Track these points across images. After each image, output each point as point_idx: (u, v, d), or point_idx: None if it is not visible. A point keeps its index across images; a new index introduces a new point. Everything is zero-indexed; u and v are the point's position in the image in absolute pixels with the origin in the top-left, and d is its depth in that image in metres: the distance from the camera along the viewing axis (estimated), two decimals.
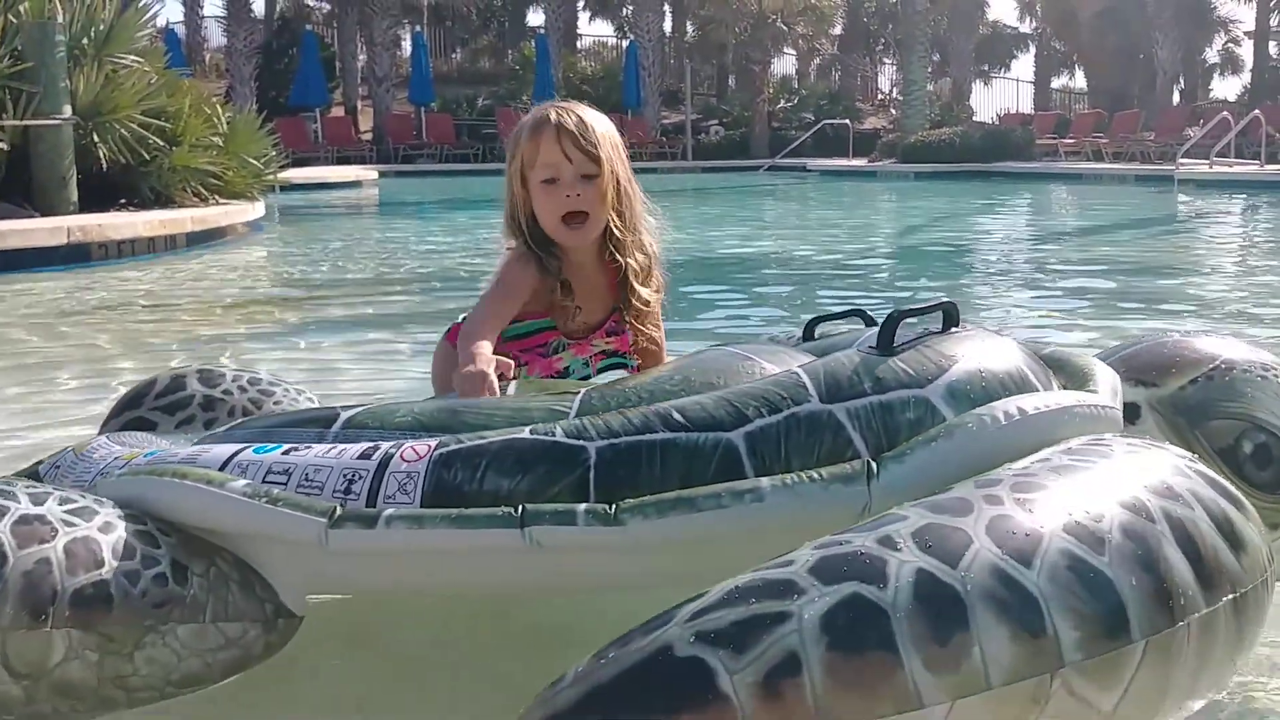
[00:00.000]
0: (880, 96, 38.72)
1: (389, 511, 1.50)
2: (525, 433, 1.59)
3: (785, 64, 36.53)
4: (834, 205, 17.03)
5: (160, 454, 1.70)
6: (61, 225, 8.65)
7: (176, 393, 2.36)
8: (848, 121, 29.47)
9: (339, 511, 1.50)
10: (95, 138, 9.87)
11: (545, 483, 1.53)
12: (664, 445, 1.56)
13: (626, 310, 2.28)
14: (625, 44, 34.77)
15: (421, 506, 1.52)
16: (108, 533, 1.50)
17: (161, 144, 10.35)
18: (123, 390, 2.59)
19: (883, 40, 38.10)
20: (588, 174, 2.14)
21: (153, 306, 6.67)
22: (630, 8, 35.96)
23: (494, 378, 1.91)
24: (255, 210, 11.51)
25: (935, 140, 24.45)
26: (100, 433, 2.23)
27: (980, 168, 22.18)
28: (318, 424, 1.75)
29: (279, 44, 32.06)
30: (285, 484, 1.56)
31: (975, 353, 1.68)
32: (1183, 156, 19.57)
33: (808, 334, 2.26)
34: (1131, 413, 1.86)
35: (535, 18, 38.29)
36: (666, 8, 35.39)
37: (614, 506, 1.48)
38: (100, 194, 9.99)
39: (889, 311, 1.72)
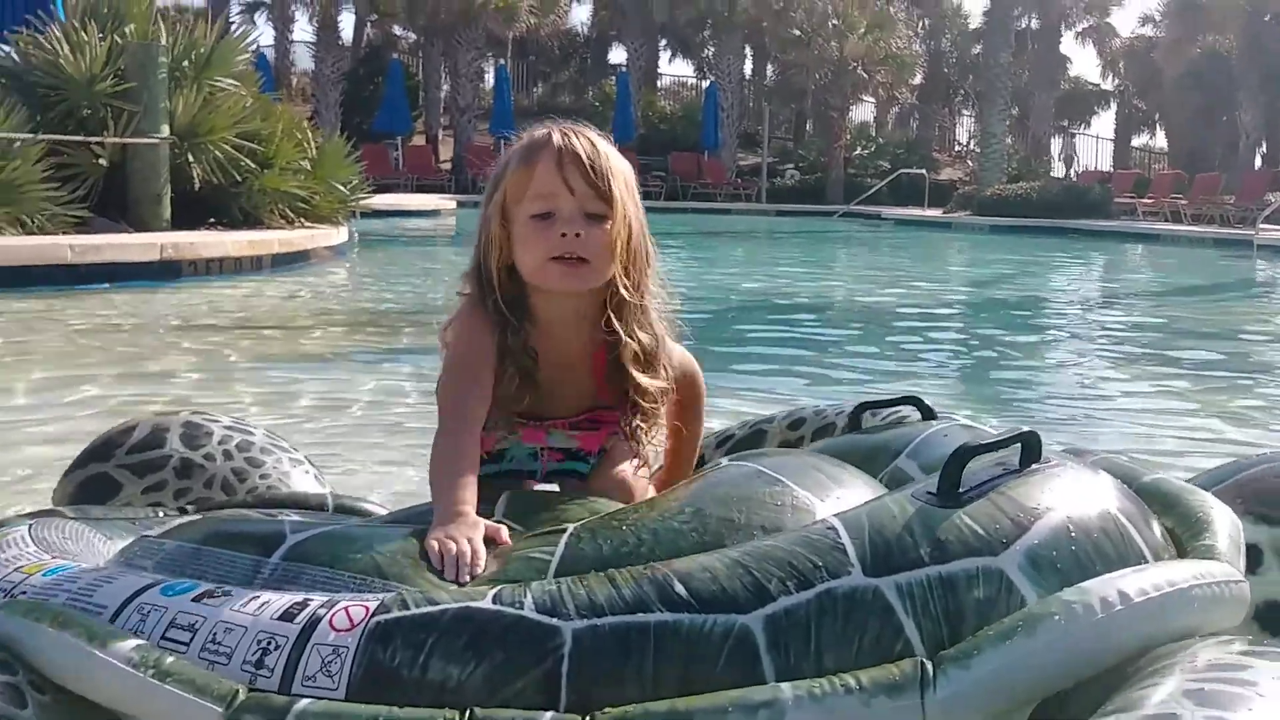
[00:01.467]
0: (958, 148, 38.59)
1: (302, 705, 1.20)
2: (488, 600, 1.26)
3: (864, 111, 36.56)
4: (907, 255, 17.00)
5: (62, 573, 1.43)
6: (155, 242, 8.95)
7: (152, 449, 2.11)
8: (924, 171, 29.41)
9: (239, 699, 1.21)
10: (190, 158, 10.20)
11: (506, 674, 1.21)
12: (660, 630, 1.24)
13: (623, 407, 1.73)
14: (705, 84, 35.05)
15: (346, 695, 1.22)
16: None
17: (253, 166, 10.67)
18: (200, 399, 2.57)
19: (962, 91, 38.04)
20: (594, 213, 1.62)
21: (235, 327, 6.87)
22: (712, 49, 36.30)
23: (479, 554, 1.41)
24: (339, 235, 11.78)
25: (1012, 194, 24.32)
26: (59, 484, 2.12)
27: (1057, 223, 22.01)
28: (257, 546, 1.45)
29: (365, 71, 32.72)
30: (187, 646, 1.27)
31: (1063, 502, 1.35)
32: (1263, 221, 19.28)
33: (854, 420, 2.00)
34: (1251, 559, 1.52)
35: (617, 55, 38.79)
36: (748, 50, 35.62)
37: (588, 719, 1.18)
38: (191, 212, 10.30)
39: (956, 448, 1.40)
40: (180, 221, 10.08)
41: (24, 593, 1.41)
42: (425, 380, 5.01)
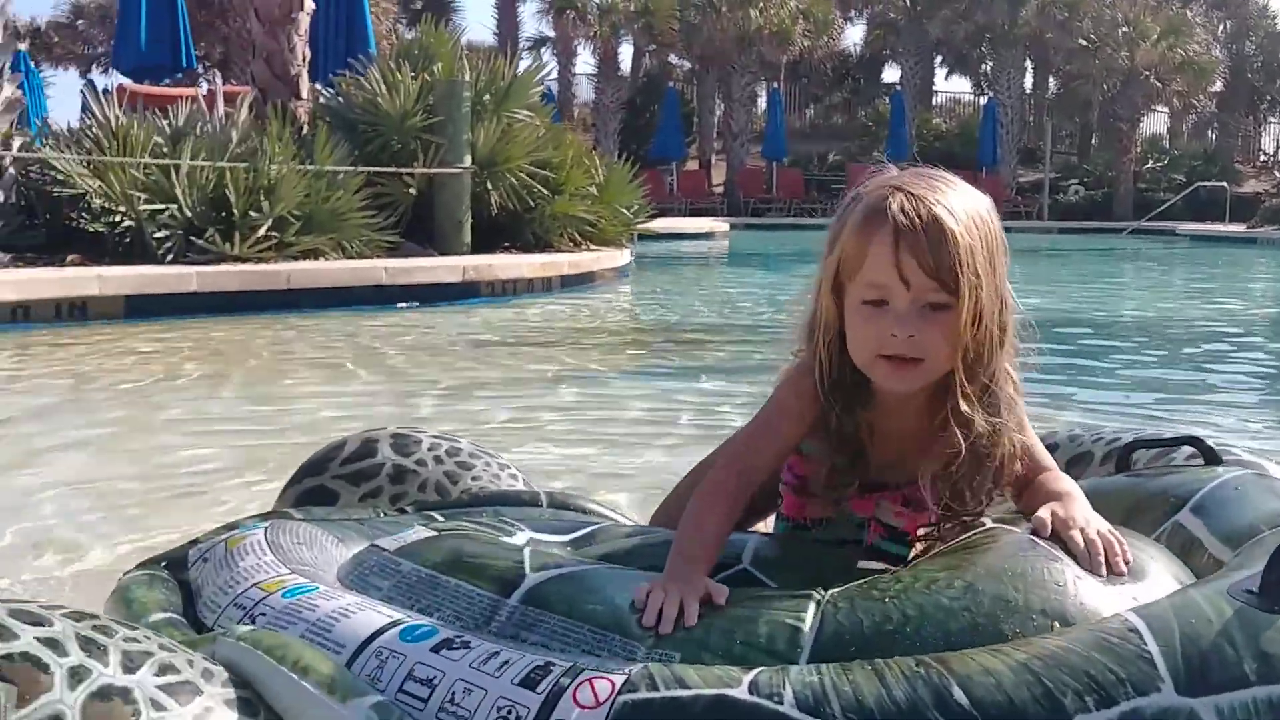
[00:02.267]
0: (1263, 158, 35.99)
1: None
2: (743, 688, 1.15)
3: (1155, 122, 34.72)
4: (1205, 274, 16.05)
5: (302, 595, 1.43)
6: (459, 264, 9.62)
7: (365, 459, 2.15)
8: (1225, 184, 27.63)
9: None
10: (489, 185, 10.87)
11: None
12: None
13: (964, 505, 1.54)
14: (983, 101, 34.18)
15: None
16: None
17: (545, 193, 11.25)
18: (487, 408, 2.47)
19: (1269, 97, 35.46)
20: (936, 304, 1.44)
21: (532, 343, 7.31)
22: (990, 64, 35.37)
23: (688, 619, 1.32)
24: (623, 257, 12.25)
25: None
26: (279, 499, 2.17)
27: None
28: (494, 583, 1.41)
29: (642, 100, 33.74)
30: (424, 704, 1.23)
31: None
32: None
33: (1123, 460, 1.80)
34: None
35: (891, 74, 38.41)
36: (1028, 64, 34.51)
37: None
38: (488, 237, 10.98)
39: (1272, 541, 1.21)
40: (478, 246, 10.76)
41: (263, 613, 1.42)
42: (702, 395, 5.22)
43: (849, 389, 1.52)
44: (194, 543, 1.71)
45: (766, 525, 1.84)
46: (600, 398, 5.12)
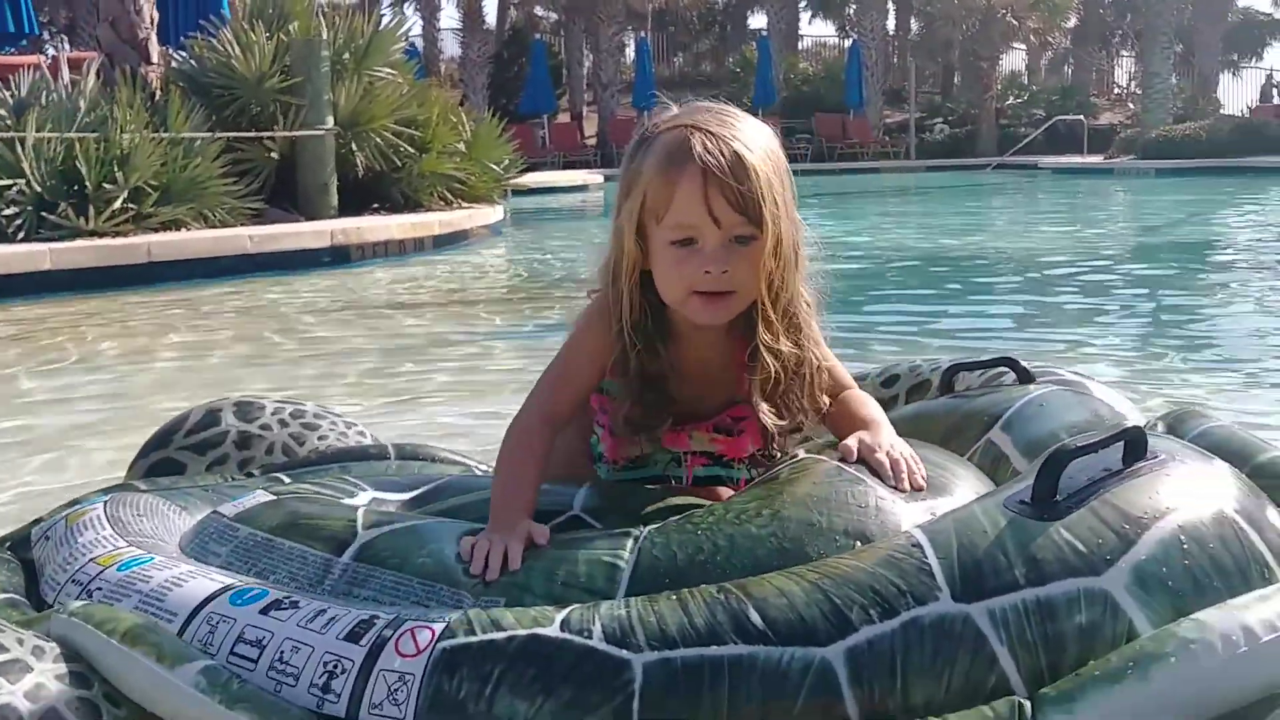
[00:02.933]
0: (1117, 90, 37.15)
1: None
2: (554, 626, 1.20)
3: (1014, 59, 35.48)
4: (1065, 205, 16.53)
5: (136, 567, 1.44)
6: (325, 229, 9.38)
7: (210, 428, 2.15)
8: (1082, 117, 28.46)
9: None
10: (354, 146, 10.61)
11: (574, 711, 1.15)
12: (735, 665, 1.15)
13: (781, 419, 1.58)
14: (848, 44, 34.53)
15: None
16: (35, 700, 1.20)
17: (412, 151, 11.03)
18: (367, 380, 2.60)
19: (1120, 31, 36.57)
20: (743, 236, 1.47)
21: (407, 305, 7.18)
22: (853, 7, 35.72)
23: (512, 564, 1.35)
24: (495, 213, 12.10)
25: (1179, 135, 23.34)
26: (128, 474, 2.18)
27: (1230, 163, 21.05)
28: (327, 544, 1.43)
29: (509, 54, 33.25)
30: (254, 664, 1.25)
31: (1174, 507, 1.22)
32: None
33: (946, 384, 1.88)
34: None
35: (757, 20, 38.49)
36: (890, 6, 34.92)
37: None
38: (355, 199, 10.73)
39: (1052, 450, 1.27)
40: (346, 208, 10.51)
41: (99, 588, 1.42)
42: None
43: (649, 327, 1.55)
44: (36, 521, 1.70)
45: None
46: (480, 356, 5.04)
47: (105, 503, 1.65)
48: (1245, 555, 1.21)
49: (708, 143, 1.44)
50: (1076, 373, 1.94)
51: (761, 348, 1.52)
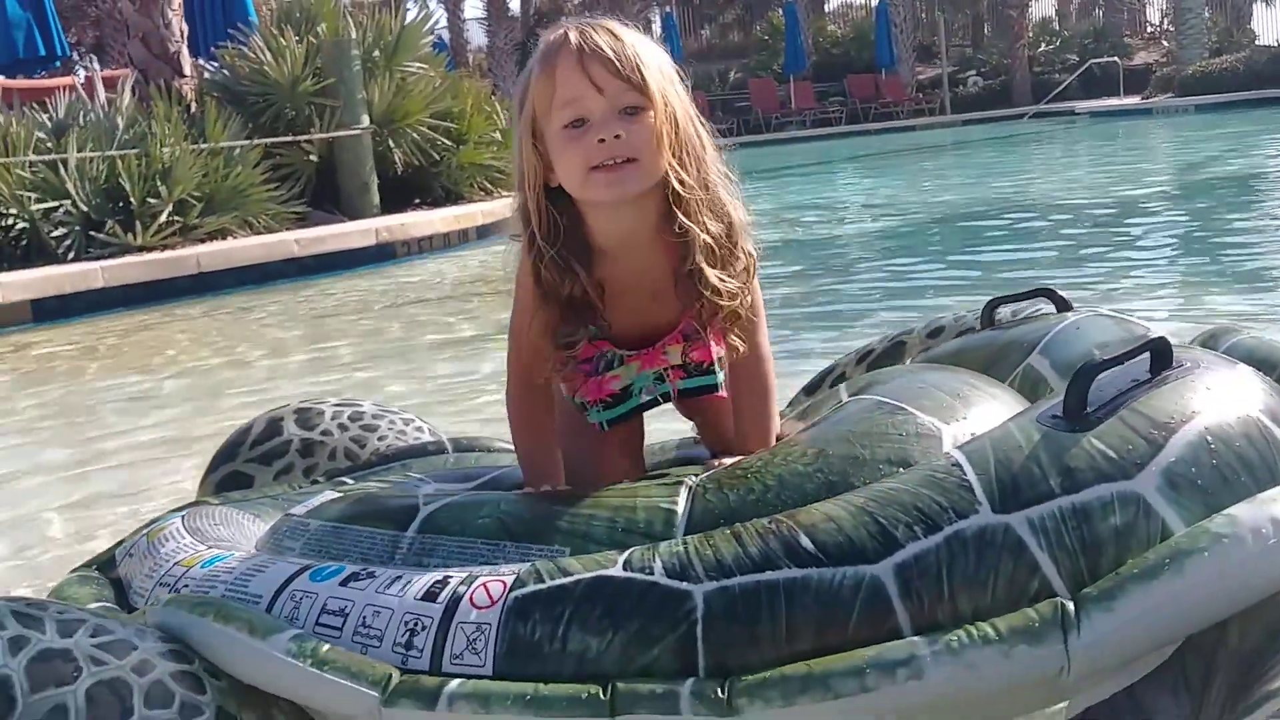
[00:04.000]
0: (1150, 29, 36.48)
1: (453, 686, 1.23)
2: (618, 568, 1.27)
3: (1044, 5, 34.96)
4: (1106, 149, 16.31)
5: (219, 563, 1.51)
6: (370, 227, 9.45)
7: (272, 439, 2.19)
8: (1116, 59, 28.02)
9: (393, 682, 1.25)
10: (391, 143, 10.67)
11: (641, 643, 1.22)
12: (789, 587, 1.21)
13: (693, 306, 1.56)
14: (875, 3, 34.17)
15: (493, 671, 1.25)
16: (142, 674, 1.26)
17: (449, 144, 11.08)
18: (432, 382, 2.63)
19: None
20: (631, 106, 1.47)
21: (458, 296, 7.24)
22: None
23: None
24: None
25: (1216, 70, 22.93)
26: (199, 490, 2.24)
27: (1270, 94, 20.63)
28: (393, 522, 1.49)
29: (536, 39, 33.19)
30: (339, 631, 1.32)
31: (1200, 411, 1.26)
32: None
33: (988, 318, 1.92)
34: None
35: None
36: None
37: (726, 689, 1.17)
38: (397, 195, 10.80)
39: (1080, 366, 1.31)
40: (388, 205, 10.58)
41: (185, 585, 1.49)
42: None
43: (565, 242, 1.52)
44: (119, 544, 1.76)
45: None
46: None
47: (183, 516, 1.73)
48: (1271, 452, 1.25)
49: (583, 29, 1.49)
50: (1114, 309, 1.97)
51: (691, 226, 1.50)
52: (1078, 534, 1.19)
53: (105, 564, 1.76)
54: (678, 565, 1.25)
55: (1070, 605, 1.15)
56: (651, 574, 1.25)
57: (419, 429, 2.26)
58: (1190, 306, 4.27)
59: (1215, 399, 1.28)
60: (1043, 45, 31.88)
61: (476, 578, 1.31)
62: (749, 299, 1.57)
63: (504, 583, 1.29)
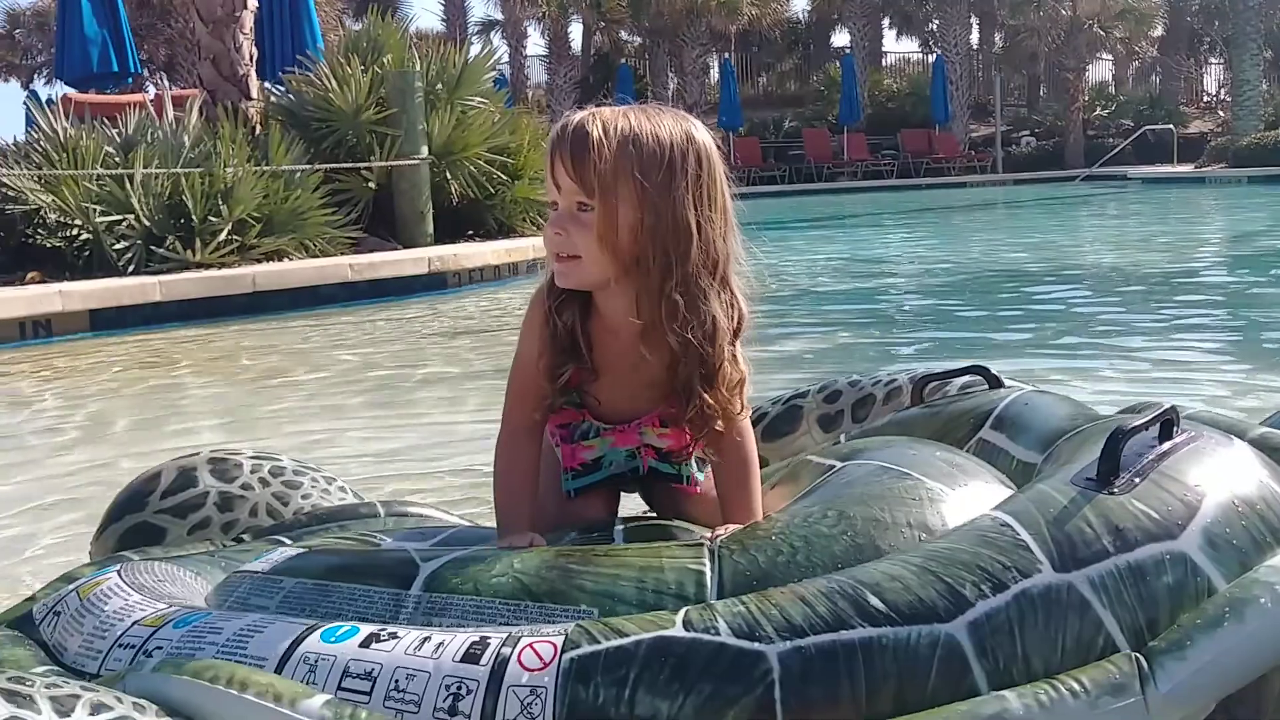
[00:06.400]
0: (1206, 99, 36.37)
1: None
2: (678, 628, 1.22)
3: (1101, 70, 34.99)
4: (1157, 215, 16.25)
5: (197, 623, 1.35)
6: (423, 256, 9.62)
7: (186, 490, 2.04)
8: (1171, 126, 27.97)
9: None
10: (448, 175, 10.86)
11: (716, 705, 1.17)
12: (866, 647, 1.19)
13: (686, 413, 1.61)
14: (931, 59, 34.33)
15: None
16: None
17: (504, 178, 11.25)
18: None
19: (1208, 39, 35.83)
20: (581, 204, 1.54)
21: (509, 328, 7.34)
22: (936, 22, 35.50)
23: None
24: None
25: (1271, 141, 22.83)
26: (95, 539, 2.07)
27: None
28: (390, 579, 1.42)
29: (595, 78, 33.62)
30: (368, 697, 1.22)
31: (1221, 477, 1.36)
32: None
33: (918, 394, 1.95)
34: None
35: (840, 38, 38.44)
36: (974, 20, 34.68)
37: None
38: (450, 226, 10.97)
39: (1111, 431, 1.37)
40: (441, 236, 10.75)
41: (159, 646, 1.33)
42: None
43: (570, 297, 1.61)
44: (29, 600, 1.60)
45: None
46: None
47: (119, 570, 1.56)
48: (1276, 512, 1.35)
49: (569, 121, 1.55)
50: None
51: (648, 328, 1.55)
52: (1135, 591, 1.24)
53: (18, 622, 1.54)
54: (744, 625, 1.21)
55: (1143, 660, 1.19)
56: (718, 634, 1.20)
57: (341, 489, 2.16)
58: (1242, 388, 4.29)
59: (1230, 466, 1.38)
60: (1098, 109, 31.88)
61: (520, 638, 1.24)
62: (736, 406, 1.60)
63: (553, 644, 1.22)
